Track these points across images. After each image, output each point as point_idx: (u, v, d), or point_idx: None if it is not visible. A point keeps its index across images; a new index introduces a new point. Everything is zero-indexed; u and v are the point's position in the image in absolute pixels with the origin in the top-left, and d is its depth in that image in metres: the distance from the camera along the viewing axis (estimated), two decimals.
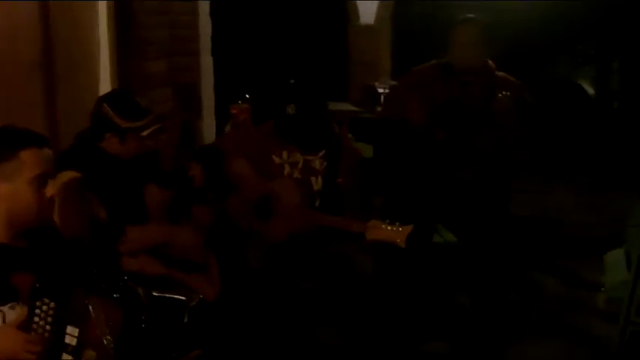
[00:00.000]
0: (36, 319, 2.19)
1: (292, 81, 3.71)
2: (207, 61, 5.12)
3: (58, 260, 2.34)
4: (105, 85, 4.43)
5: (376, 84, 7.55)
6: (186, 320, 2.47)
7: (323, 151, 3.66)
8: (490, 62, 3.99)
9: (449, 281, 4.33)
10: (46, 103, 3.98)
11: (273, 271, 3.44)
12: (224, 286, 3.16)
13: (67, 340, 2.21)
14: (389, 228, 3.23)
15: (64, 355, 2.20)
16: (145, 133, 3.12)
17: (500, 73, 3.97)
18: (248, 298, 3.29)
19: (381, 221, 3.26)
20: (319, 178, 3.64)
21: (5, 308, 2.22)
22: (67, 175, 2.93)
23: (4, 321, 2.22)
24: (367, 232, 3.26)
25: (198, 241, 3.11)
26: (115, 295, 2.27)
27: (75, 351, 2.21)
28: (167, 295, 2.47)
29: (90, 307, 2.22)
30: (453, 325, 4.00)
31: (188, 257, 3.15)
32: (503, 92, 3.73)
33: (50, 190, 2.27)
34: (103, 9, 4.41)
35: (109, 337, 2.23)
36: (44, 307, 2.19)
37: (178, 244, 3.09)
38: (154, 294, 2.39)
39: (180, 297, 2.48)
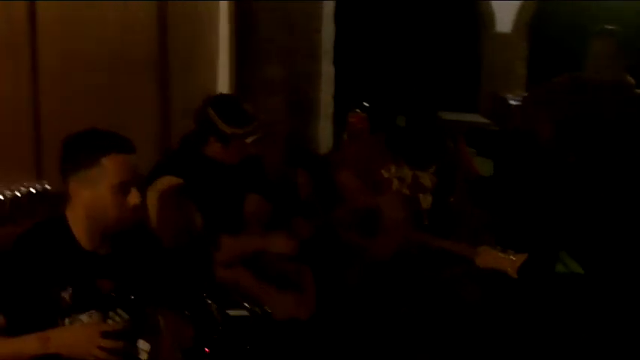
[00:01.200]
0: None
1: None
2: (327, 69, 4.99)
3: (138, 270, 2.27)
4: (223, 88, 4.39)
5: (509, 96, 7.21)
6: (251, 336, 2.32)
7: (434, 167, 3.45)
8: (629, 78, 3.66)
9: (569, 316, 3.97)
10: (159, 102, 3.98)
11: (372, 291, 3.25)
12: (318, 304, 3.01)
13: (139, 354, 2.11)
14: (501, 255, 3.00)
15: None
16: (249, 140, 3.02)
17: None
18: (341, 317, 3.12)
19: (492, 247, 3.03)
20: (428, 196, 3.43)
21: (84, 317, 2.16)
22: (168, 181, 2.92)
23: None
24: (477, 257, 3.04)
25: (294, 248, 2.96)
26: (186, 313, 2.15)
27: None
28: (235, 314, 2.33)
29: (161, 323, 2.12)
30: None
31: (283, 273, 3.04)
32: None
33: (134, 198, 2.19)
34: (224, 10, 4.38)
35: (179, 356, 2.12)
36: (117, 319, 2.11)
37: (273, 251, 2.96)
38: (230, 313, 2.25)
39: (245, 314, 2.34)
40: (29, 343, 2.06)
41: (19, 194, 3.03)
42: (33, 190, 3.07)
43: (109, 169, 2.15)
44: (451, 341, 3.18)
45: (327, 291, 3.12)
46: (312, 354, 2.87)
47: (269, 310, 2.76)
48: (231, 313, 2.25)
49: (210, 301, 2.24)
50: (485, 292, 3.24)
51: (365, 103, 4.83)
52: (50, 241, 2.18)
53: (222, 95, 3.57)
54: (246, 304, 2.64)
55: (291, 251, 2.98)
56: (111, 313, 2.11)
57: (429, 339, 3.18)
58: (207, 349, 2.15)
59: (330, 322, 3.06)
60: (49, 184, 3.14)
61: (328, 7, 4.95)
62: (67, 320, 2.13)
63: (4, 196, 2.98)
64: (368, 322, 3.17)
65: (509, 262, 2.95)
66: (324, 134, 5.02)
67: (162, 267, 2.33)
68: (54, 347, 2.06)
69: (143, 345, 2.11)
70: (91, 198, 2.17)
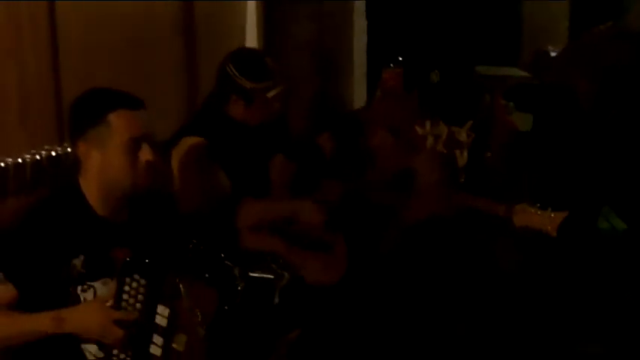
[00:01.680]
0: (125, 296, 2.03)
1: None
2: (360, 24, 4.81)
3: (155, 234, 2.19)
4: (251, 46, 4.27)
5: (550, 48, 6.94)
6: (277, 301, 2.22)
7: (470, 122, 3.31)
8: None
9: (610, 274, 3.80)
10: (186, 68, 3.88)
11: (405, 255, 3.14)
12: (349, 270, 2.91)
13: (158, 320, 2.03)
14: (539, 213, 2.85)
15: (155, 337, 2.04)
16: (270, 95, 2.91)
17: None
18: (370, 282, 3.01)
19: (530, 205, 2.89)
20: (465, 152, 3.31)
21: (97, 284, 2.09)
22: (191, 142, 2.82)
23: (94, 297, 2.08)
24: (515, 216, 2.89)
25: (323, 217, 2.86)
26: (206, 276, 2.05)
27: (166, 332, 2.02)
28: (258, 275, 2.23)
29: (181, 287, 2.03)
30: (612, 325, 3.49)
31: (312, 235, 2.93)
32: None
33: (146, 154, 2.09)
34: None
35: (200, 320, 2.03)
36: (134, 284, 2.03)
37: (301, 219, 2.87)
38: (252, 275, 2.14)
39: (269, 276, 2.23)
40: (43, 322, 2.00)
41: (39, 157, 2.97)
42: (54, 153, 3.00)
43: (117, 125, 2.06)
44: (488, 308, 3.06)
45: (359, 257, 3.01)
46: (341, 320, 2.77)
47: (298, 274, 2.67)
48: (254, 274, 2.14)
49: (230, 264, 2.12)
50: (523, 255, 3.11)
51: (400, 58, 4.67)
52: (63, 209, 2.10)
53: (242, 49, 3.45)
54: (273, 267, 2.55)
55: (319, 221, 2.86)
56: (127, 279, 2.02)
57: (466, 306, 3.06)
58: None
59: (362, 289, 2.95)
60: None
61: None
62: (79, 288, 2.06)
63: (23, 160, 2.92)
64: (402, 289, 3.07)
65: (549, 219, 2.80)
66: (358, 92, 4.87)
67: (180, 232, 2.24)
68: (68, 328, 2.00)
69: (162, 310, 2.03)
70: (101, 159, 2.08)
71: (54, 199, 2.16)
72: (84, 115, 2.10)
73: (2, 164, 2.89)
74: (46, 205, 2.14)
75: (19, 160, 2.93)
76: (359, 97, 4.91)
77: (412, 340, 2.95)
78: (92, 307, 2.03)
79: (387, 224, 3.24)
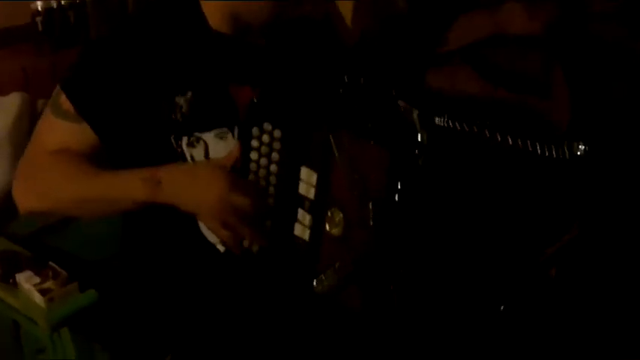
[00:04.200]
0: (254, 155, 1.37)
1: None
2: None
3: (299, 65, 1.51)
4: None
5: None
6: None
7: None
8: None
9: None
10: None
11: None
12: (574, 117, 2.15)
13: (302, 189, 1.38)
14: None
15: (300, 213, 1.39)
16: None
17: None
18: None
19: None
20: None
21: (209, 136, 1.43)
22: None
23: (206, 156, 1.44)
24: None
25: (536, 27, 2.12)
26: (369, 125, 1.35)
27: (314, 207, 1.37)
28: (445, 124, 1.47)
29: (333, 142, 1.35)
30: None
31: (524, 73, 2.19)
32: None
33: None
34: None
35: (364, 191, 1.35)
36: (265, 138, 1.36)
37: (505, 29, 2.13)
38: (439, 122, 1.39)
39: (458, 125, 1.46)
40: (134, 185, 1.36)
41: None
42: None
43: None
44: None
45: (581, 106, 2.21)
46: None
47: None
48: (440, 122, 1.40)
49: (407, 105, 1.39)
50: None
51: None
52: (162, 18, 1.44)
53: None
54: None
55: (534, 30, 2.11)
56: (255, 130, 1.37)
57: None
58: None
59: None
60: None
61: None
62: (184, 140, 1.42)
63: None
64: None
65: None
66: None
67: (336, 63, 1.55)
68: (165, 195, 1.35)
69: (308, 175, 1.37)
70: None
71: (154, 6, 1.49)
72: None
73: None
74: (142, 13, 1.50)
75: None
76: None
77: None
78: (206, 169, 1.37)
79: (618, 67, 2.42)
